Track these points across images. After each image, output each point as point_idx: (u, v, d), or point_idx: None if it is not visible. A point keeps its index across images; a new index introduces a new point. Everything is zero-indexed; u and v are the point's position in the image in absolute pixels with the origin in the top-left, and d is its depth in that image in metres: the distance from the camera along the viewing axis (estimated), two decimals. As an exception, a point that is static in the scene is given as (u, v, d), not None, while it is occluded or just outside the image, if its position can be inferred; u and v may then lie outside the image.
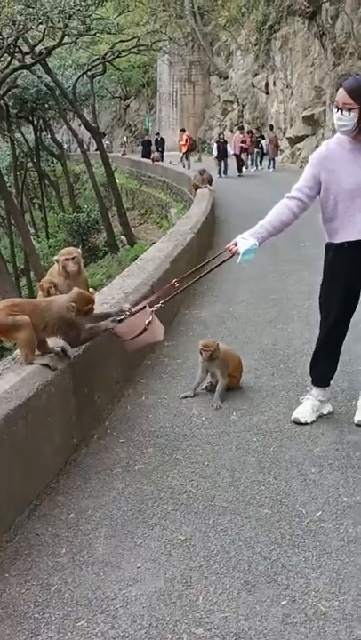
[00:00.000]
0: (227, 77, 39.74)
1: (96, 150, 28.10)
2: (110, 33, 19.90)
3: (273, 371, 4.89)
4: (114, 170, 27.51)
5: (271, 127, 28.63)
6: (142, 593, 2.60)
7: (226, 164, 24.21)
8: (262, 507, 3.17)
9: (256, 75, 35.72)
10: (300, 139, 29.23)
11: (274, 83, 33.80)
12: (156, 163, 28.24)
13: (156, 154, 29.54)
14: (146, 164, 30.04)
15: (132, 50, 23.59)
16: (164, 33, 23.96)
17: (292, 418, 4.03)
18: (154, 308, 3.93)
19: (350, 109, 3.40)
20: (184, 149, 27.02)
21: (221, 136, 25.86)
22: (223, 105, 39.83)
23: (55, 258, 4.02)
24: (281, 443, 3.79)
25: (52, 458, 3.51)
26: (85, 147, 30.89)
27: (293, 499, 3.22)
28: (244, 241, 3.67)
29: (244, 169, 24.75)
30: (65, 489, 3.40)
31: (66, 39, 18.78)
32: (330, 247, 3.80)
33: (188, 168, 25.61)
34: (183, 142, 27.01)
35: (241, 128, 26.59)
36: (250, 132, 27.12)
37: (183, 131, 28.83)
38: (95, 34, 19.69)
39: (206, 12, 40.77)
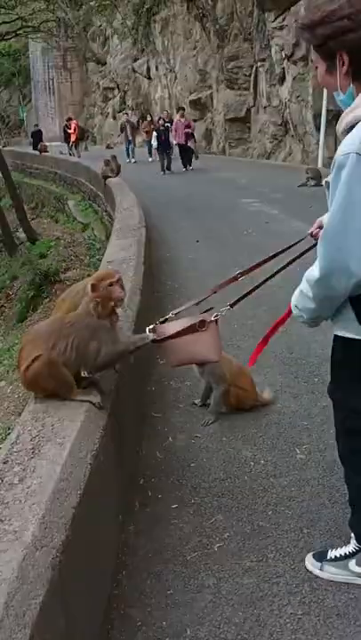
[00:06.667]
0: (105, 63, 38.51)
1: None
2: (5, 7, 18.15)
3: (311, 387, 4.08)
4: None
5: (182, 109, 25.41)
6: None
7: (170, 159, 19.73)
8: None
9: (136, 59, 34.80)
10: (189, 124, 28.66)
11: (156, 67, 33.04)
12: (44, 154, 26.61)
13: (43, 144, 27.72)
14: (32, 155, 28.27)
15: (18, 32, 21.85)
16: (52, 13, 22.40)
17: None
18: (218, 314, 3.00)
19: None
20: (73, 138, 25.67)
21: (161, 122, 20.92)
22: (104, 92, 38.61)
23: (89, 282, 2.77)
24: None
25: (105, 552, 2.52)
26: None
27: None
28: None
29: (193, 159, 20.18)
30: (134, 595, 2.43)
31: None
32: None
33: (79, 157, 24.31)
34: (72, 131, 25.65)
35: (182, 109, 21.75)
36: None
37: (70, 119, 27.36)
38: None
39: (77, -5, 39.25)
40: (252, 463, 3.27)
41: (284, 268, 2.87)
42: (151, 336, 2.87)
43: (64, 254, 14.45)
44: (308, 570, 2.47)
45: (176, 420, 3.77)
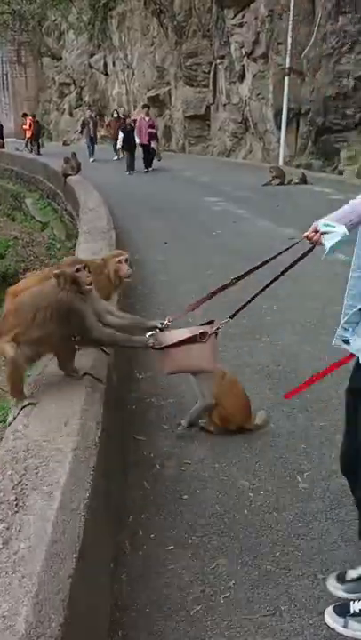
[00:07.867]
0: (60, 58, 37.76)
1: None
2: None
3: (305, 404, 3.81)
4: None
5: (148, 107, 21.21)
6: None
7: (133, 158, 18.47)
8: None
9: (93, 55, 34.20)
10: (147, 120, 28.28)
11: (113, 63, 32.53)
12: (0, 150, 25.90)
13: (-1, 140, 27.01)
14: (-14, 152, 27.52)
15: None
16: (7, 5, 21.68)
17: None
18: (219, 327, 3.11)
19: None
20: (29, 134, 25.06)
21: (128, 120, 20.15)
22: (60, 88, 37.86)
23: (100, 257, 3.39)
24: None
25: (99, 611, 2.20)
26: None
27: None
28: (331, 229, 2.44)
29: (155, 160, 18.77)
30: (134, 663, 2.12)
31: None
32: None
33: (38, 154, 23.72)
34: (27, 127, 25.02)
35: (147, 106, 20.11)
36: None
37: (26, 115, 26.67)
38: None
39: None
40: (250, 494, 2.98)
41: (283, 273, 2.75)
42: (150, 341, 2.88)
43: (23, 254, 13.95)
44: (329, 626, 2.20)
45: (162, 444, 3.46)
